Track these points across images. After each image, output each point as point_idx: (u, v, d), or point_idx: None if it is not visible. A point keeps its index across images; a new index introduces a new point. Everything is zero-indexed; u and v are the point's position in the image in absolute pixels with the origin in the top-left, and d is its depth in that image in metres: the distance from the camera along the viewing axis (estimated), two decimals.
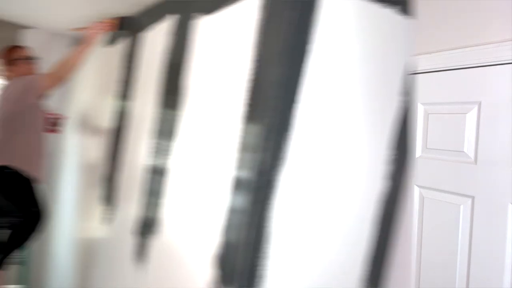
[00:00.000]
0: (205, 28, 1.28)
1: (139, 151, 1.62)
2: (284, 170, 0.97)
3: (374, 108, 1.07)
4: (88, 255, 2.08)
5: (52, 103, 2.86)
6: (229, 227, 1.04)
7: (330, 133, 1.01)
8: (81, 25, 2.38)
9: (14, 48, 2.31)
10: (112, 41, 2.17)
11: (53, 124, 2.41)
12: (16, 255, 2.09)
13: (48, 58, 2.78)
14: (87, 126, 2.42)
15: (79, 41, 2.07)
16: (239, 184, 1.03)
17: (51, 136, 2.83)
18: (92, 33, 2.06)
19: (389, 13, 1.05)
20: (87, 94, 2.49)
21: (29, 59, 2.29)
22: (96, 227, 2.00)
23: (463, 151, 1.63)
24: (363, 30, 1.02)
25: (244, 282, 0.97)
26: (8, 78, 2.30)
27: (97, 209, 2.02)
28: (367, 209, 1.09)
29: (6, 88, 2.20)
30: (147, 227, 1.48)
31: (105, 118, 2.09)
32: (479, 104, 1.58)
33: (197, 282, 1.13)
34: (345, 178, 1.05)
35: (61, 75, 2.05)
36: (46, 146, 2.28)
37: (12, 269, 2.25)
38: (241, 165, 1.03)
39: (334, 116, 1.02)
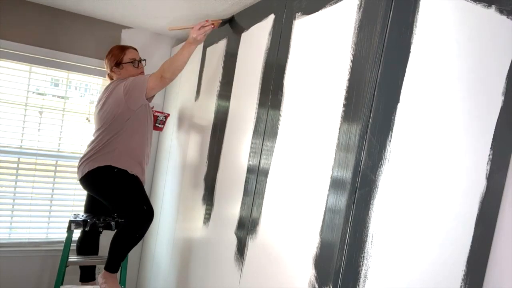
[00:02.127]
0: (305, 28, 1.31)
1: (239, 151, 1.68)
2: (385, 170, 0.97)
3: (476, 108, 1.03)
4: (188, 254, 2.17)
5: (155, 101, 3.11)
6: (327, 227, 1.07)
7: (431, 133, 1.00)
8: (181, 24, 2.48)
9: (124, 49, 2.36)
10: (213, 40, 2.25)
11: (161, 122, 2.56)
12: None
13: (150, 57, 3.03)
14: (186, 124, 2.52)
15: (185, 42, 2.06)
16: (337, 184, 1.05)
17: (156, 133, 3.07)
18: (195, 33, 1.97)
19: (492, 13, 0.99)
20: (187, 93, 2.60)
21: (138, 62, 2.37)
22: (196, 227, 2.09)
23: None
24: (464, 30, 0.98)
25: (342, 282, 1.00)
26: (112, 78, 2.39)
27: (198, 209, 2.11)
28: (469, 208, 1.06)
29: (110, 89, 2.26)
30: (246, 226, 1.54)
31: (206, 117, 2.19)
32: None
33: (295, 281, 1.17)
34: (446, 178, 1.03)
35: (166, 76, 2.08)
36: (150, 146, 2.39)
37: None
38: (339, 165, 1.05)
39: (435, 116, 1.00)
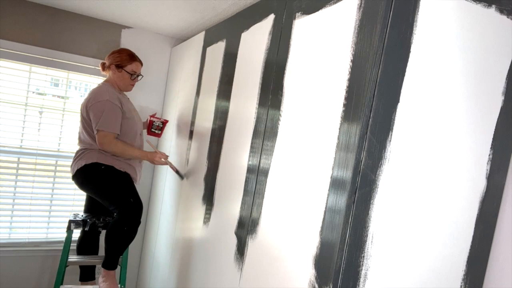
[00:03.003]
0: (305, 28, 1.31)
1: (239, 151, 1.68)
2: (385, 170, 0.97)
3: (476, 108, 1.03)
4: (188, 254, 2.17)
5: (151, 105, 3.11)
6: (327, 227, 1.07)
7: (431, 133, 1.00)
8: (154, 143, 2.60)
9: (133, 59, 2.37)
10: (213, 40, 2.26)
11: (157, 128, 2.56)
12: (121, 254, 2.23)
13: (150, 58, 3.03)
14: (184, 126, 2.52)
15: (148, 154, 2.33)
16: (337, 184, 1.05)
17: (153, 138, 3.07)
18: (155, 155, 2.30)
19: (492, 13, 0.99)
20: (187, 93, 2.60)
21: (136, 77, 2.40)
22: (196, 226, 2.09)
23: None
24: (465, 30, 0.98)
25: (342, 282, 1.00)
26: (104, 70, 2.40)
27: (198, 209, 2.11)
28: (469, 208, 1.06)
29: (90, 93, 2.29)
30: (246, 226, 1.54)
31: (206, 117, 2.19)
32: None
33: (295, 281, 1.17)
34: (446, 178, 1.03)
35: (107, 150, 2.19)
36: (140, 144, 2.42)
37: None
38: (339, 165, 1.05)
39: (435, 116, 1.00)
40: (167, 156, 2.38)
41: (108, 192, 2.22)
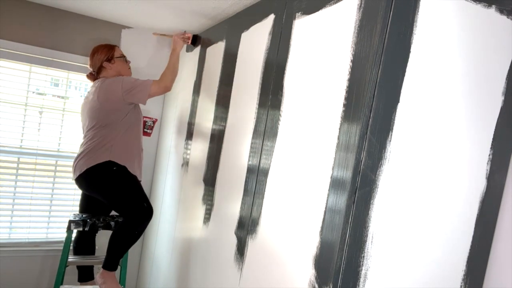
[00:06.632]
0: (305, 28, 1.31)
1: (240, 151, 1.68)
2: (385, 170, 0.97)
3: (476, 108, 1.03)
4: (188, 254, 2.17)
5: (151, 105, 3.11)
6: (327, 227, 1.07)
7: (431, 133, 1.00)
8: (163, 32, 2.63)
9: (112, 46, 2.44)
10: (213, 40, 2.26)
11: (149, 127, 2.55)
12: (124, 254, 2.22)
13: (150, 57, 3.03)
14: (184, 126, 2.52)
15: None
16: (337, 184, 1.05)
17: (156, 133, 3.07)
18: (174, 40, 2.42)
19: (492, 13, 0.99)
20: (187, 93, 2.61)
21: (125, 58, 2.45)
22: (196, 226, 2.09)
23: None
24: (464, 30, 0.98)
25: (342, 282, 1.00)
26: (99, 76, 2.38)
27: (198, 209, 2.11)
28: (469, 208, 1.06)
29: (99, 87, 2.27)
30: (246, 226, 1.54)
31: (206, 117, 2.19)
32: None
33: (295, 281, 1.17)
34: (446, 178, 1.03)
35: (169, 85, 2.27)
36: (141, 145, 2.41)
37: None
38: (339, 165, 1.05)
39: (435, 116, 1.00)
40: (181, 35, 2.47)
41: (122, 196, 2.18)
